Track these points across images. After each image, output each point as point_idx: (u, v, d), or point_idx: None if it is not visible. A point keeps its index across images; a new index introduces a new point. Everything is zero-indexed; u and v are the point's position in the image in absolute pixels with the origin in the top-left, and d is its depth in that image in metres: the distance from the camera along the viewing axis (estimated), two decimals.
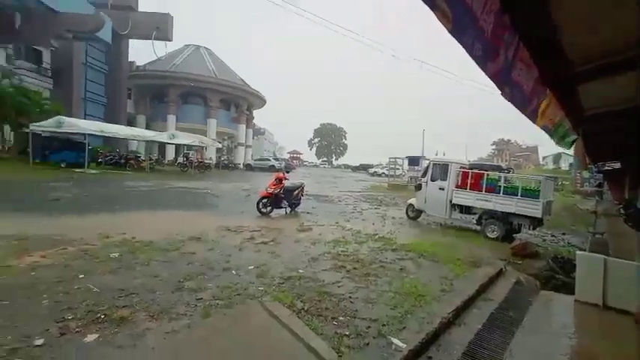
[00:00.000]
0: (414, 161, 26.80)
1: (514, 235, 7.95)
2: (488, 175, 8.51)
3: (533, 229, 8.08)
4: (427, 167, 9.87)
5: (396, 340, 2.85)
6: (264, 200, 8.64)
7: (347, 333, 2.91)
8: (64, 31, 22.42)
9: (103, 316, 2.84)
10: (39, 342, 2.41)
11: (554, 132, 2.97)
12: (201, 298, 3.32)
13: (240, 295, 3.46)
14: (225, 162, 35.51)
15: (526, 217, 7.64)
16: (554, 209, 9.13)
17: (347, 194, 16.39)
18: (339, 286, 3.96)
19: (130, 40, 31.68)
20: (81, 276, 3.67)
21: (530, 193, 7.68)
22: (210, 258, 4.63)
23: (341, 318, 3.18)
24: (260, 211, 8.55)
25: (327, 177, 32.08)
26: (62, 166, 18.65)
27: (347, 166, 67.80)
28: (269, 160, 39.31)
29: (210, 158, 32.12)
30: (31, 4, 20.67)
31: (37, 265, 3.88)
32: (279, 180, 8.84)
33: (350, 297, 3.67)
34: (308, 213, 9.44)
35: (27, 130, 18.84)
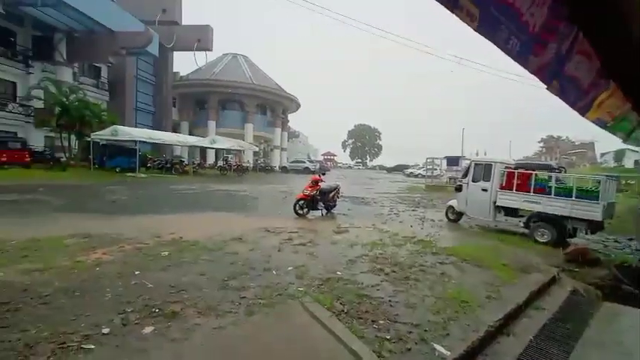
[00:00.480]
0: (453, 161, 25.77)
1: (568, 239, 7.33)
2: (536, 175, 7.94)
3: (592, 233, 7.35)
4: (468, 167, 9.43)
5: (439, 347, 2.77)
6: (301, 202, 8.79)
7: (388, 337, 2.88)
8: (119, 49, 24.62)
9: (157, 310, 3.07)
10: (105, 330, 2.67)
11: (614, 126, 2.73)
12: (245, 297, 3.46)
13: (281, 295, 3.55)
14: (262, 165, 36.56)
15: (583, 220, 6.99)
16: (617, 212, 8.29)
17: (383, 196, 16.14)
18: (378, 289, 3.93)
19: (175, 52, 33.83)
20: (137, 272, 3.99)
21: (588, 194, 7.03)
22: (251, 258, 4.80)
23: (381, 321, 3.15)
24: (297, 213, 8.71)
25: (362, 178, 31.81)
26: (117, 170, 20.36)
27: (382, 167, 66.75)
28: (304, 162, 39.82)
29: (248, 161, 33.26)
30: (94, 27, 22.91)
31: (100, 262, 4.29)
32: (316, 182, 8.95)
33: (390, 301, 3.62)
34: (344, 215, 9.44)
35: (88, 139, 20.86)
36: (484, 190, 8.53)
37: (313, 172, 29.37)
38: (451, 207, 9.62)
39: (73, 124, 20.39)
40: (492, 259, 5.46)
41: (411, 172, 41.00)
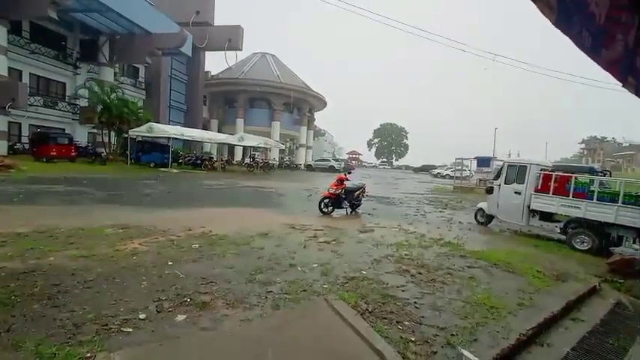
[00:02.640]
0: (483, 162, 24.78)
1: (611, 248, 6.84)
2: (576, 178, 7.47)
3: None
4: (501, 169, 9.05)
5: (466, 352, 2.70)
6: (326, 200, 8.83)
7: (413, 339, 2.84)
8: (155, 49, 25.88)
9: (189, 300, 3.21)
10: (142, 316, 2.84)
11: None
12: (271, 291, 3.54)
13: (306, 291, 3.61)
14: (288, 162, 37.02)
15: (630, 228, 6.49)
16: None
17: (409, 196, 15.85)
18: (403, 290, 3.88)
19: (206, 52, 34.94)
20: (170, 263, 4.20)
21: (638, 201, 6.51)
22: (277, 253, 4.90)
23: (406, 323, 3.11)
24: (322, 211, 8.76)
25: (388, 178, 31.36)
26: (151, 165, 21.42)
27: (408, 167, 65.49)
28: (329, 160, 39.90)
29: (274, 159, 33.81)
30: (133, 29, 24.26)
31: (137, 251, 4.55)
32: (341, 181, 8.95)
33: (415, 302, 3.57)
34: (369, 214, 9.37)
35: (126, 135, 22.12)
36: (517, 192, 8.15)
37: (338, 171, 29.38)
38: (481, 209, 9.28)
39: (112, 121, 21.74)
40: (525, 265, 5.21)
41: (438, 173, 39.94)
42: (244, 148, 33.29)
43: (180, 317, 2.90)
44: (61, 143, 18.99)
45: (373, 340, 2.71)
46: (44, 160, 17.80)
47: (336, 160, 43.05)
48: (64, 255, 4.18)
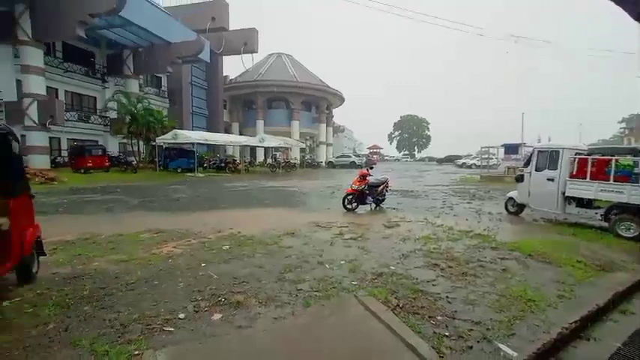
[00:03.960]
0: (511, 149, 23.75)
1: None
2: (617, 160, 7.01)
3: None
4: (531, 155, 8.63)
5: (504, 347, 2.63)
6: (350, 197, 8.82)
7: (447, 334, 2.80)
8: (176, 58, 26.81)
9: (223, 300, 3.34)
10: (181, 316, 2.98)
11: None
12: (301, 289, 3.60)
13: (335, 288, 3.64)
14: (309, 161, 37.20)
15: None
16: None
17: (434, 188, 15.49)
18: (433, 285, 3.82)
19: (224, 57, 35.67)
20: (203, 264, 4.37)
21: None
22: (304, 252, 4.97)
23: (439, 317, 3.07)
24: (346, 208, 8.76)
25: (411, 171, 30.79)
26: (178, 171, 22.27)
27: (431, 159, 63.92)
28: (350, 156, 39.72)
29: (295, 158, 34.10)
30: (154, 41, 25.28)
31: (172, 254, 4.77)
32: (363, 176, 8.90)
33: (447, 297, 3.51)
34: (394, 209, 9.27)
35: (153, 144, 23.10)
36: (550, 179, 7.76)
37: (360, 167, 29.19)
38: (511, 199, 8.92)
39: (140, 131, 22.80)
40: (563, 255, 4.97)
41: (464, 163, 38.67)
42: (265, 148, 33.81)
43: (217, 316, 3.02)
44: (95, 155, 20.18)
45: (406, 335, 2.70)
46: (82, 171, 18.97)
47: (357, 156, 42.75)
48: (106, 260, 4.45)
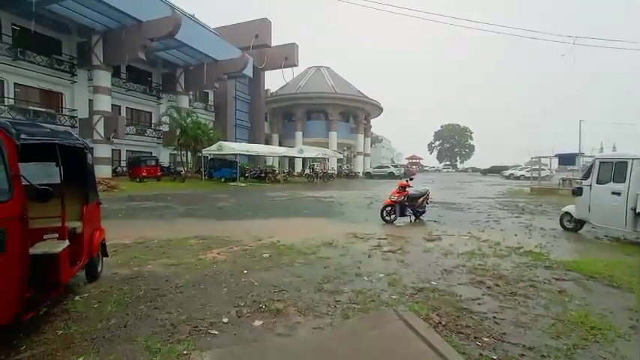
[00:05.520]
0: (567, 160, 21.85)
1: None
2: None
3: None
4: (591, 167, 7.88)
5: None
6: (388, 208, 8.67)
7: (494, 357, 2.63)
8: (222, 75, 28.62)
9: (264, 307, 3.44)
10: (225, 320, 3.13)
11: None
12: (340, 301, 3.60)
13: (374, 302, 3.59)
14: (346, 171, 37.18)
15: None
16: None
17: (478, 201, 14.68)
18: (479, 304, 3.62)
19: (265, 71, 37.31)
20: (245, 271, 4.54)
21: None
22: (342, 263, 4.97)
23: (485, 339, 2.90)
24: (384, 219, 8.62)
25: (453, 182, 29.48)
26: (222, 180, 23.44)
27: (475, 170, 60.81)
28: (388, 167, 39.11)
29: (333, 168, 34.32)
30: (204, 59, 27.36)
31: (216, 260, 5.03)
32: (403, 187, 8.72)
33: (494, 317, 3.30)
34: (435, 222, 8.93)
35: (200, 155, 24.65)
36: (616, 193, 7.01)
37: (398, 177, 28.51)
38: (568, 214, 8.17)
39: (189, 143, 24.49)
40: (634, 279, 4.44)
41: (511, 174, 36.29)
42: (304, 159, 34.46)
43: (258, 322, 3.12)
44: (149, 165, 22.02)
45: (449, 355, 2.59)
46: (137, 180, 20.73)
47: (395, 166, 41.98)
48: (158, 263, 4.81)
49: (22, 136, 2.48)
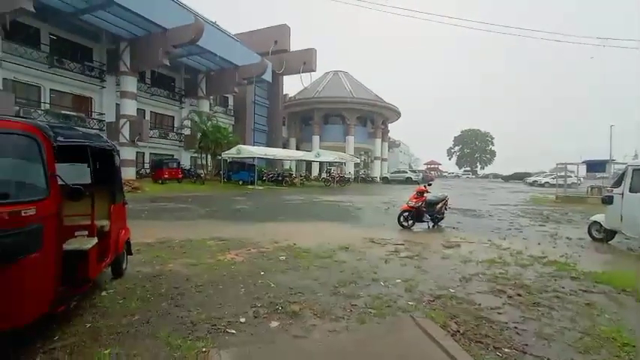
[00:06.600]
0: (596, 167, 20.90)
1: None
2: None
3: None
4: (623, 174, 7.51)
5: None
6: (406, 214, 8.56)
7: None
8: (242, 80, 29.26)
9: (280, 308, 3.47)
10: (242, 320, 3.18)
11: None
12: (356, 305, 3.59)
13: (390, 307, 3.56)
14: (363, 176, 37.02)
15: None
16: None
17: (499, 208, 14.26)
18: (499, 313, 3.52)
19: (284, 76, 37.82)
20: (262, 273, 4.60)
21: None
22: (359, 267, 4.95)
23: (506, 349, 2.81)
24: (401, 225, 8.51)
25: (473, 188, 28.76)
26: (240, 183, 23.85)
27: (496, 176, 59.11)
28: (405, 172, 38.66)
29: (349, 173, 34.24)
30: (224, 65, 28.10)
31: (234, 262, 5.12)
32: (421, 193, 8.59)
33: (515, 327, 3.20)
34: (453, 228, 8.74)
35: (219, 158, 25.21)
36: None
37: (416, 183, 28.16)
38: (596, 223, 7.80)
39: (209, 146, 25.11)
40: None
41: (535, 181, 35.01)
42: (321, 163, 34.58)
43: (274, 323, 3.16)
44: (171, 167, 22.70)
45: None
46: (160, 181, 21.41)
47: (413, 172, 41.40)
48: (179, 263, 4.95)
49: (59, 138, 2.65)
